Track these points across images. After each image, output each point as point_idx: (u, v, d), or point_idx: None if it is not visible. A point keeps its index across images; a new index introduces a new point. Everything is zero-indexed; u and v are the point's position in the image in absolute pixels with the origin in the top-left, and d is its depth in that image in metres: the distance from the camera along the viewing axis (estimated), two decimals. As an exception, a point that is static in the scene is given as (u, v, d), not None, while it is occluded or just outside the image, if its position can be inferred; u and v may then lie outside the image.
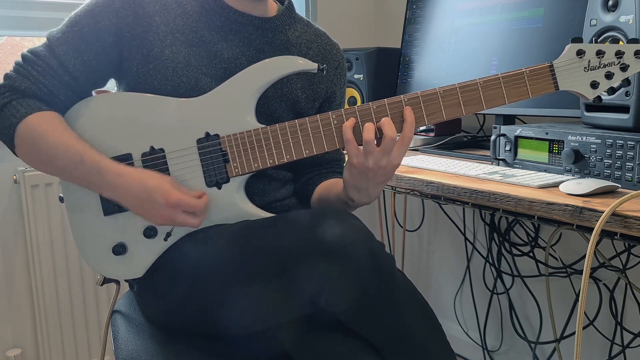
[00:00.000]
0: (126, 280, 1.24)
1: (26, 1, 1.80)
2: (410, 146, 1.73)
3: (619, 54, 1.00)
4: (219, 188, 1.06)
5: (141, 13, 1.08)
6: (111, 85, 1.21)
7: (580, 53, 1.01)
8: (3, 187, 1.78)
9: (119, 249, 1.06)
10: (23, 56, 1.07)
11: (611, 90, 1.09)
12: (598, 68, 1.00)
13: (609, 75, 1.00)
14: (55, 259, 1.82)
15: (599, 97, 1.03)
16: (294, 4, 1.24)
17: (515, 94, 1.02)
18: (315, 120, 1.04)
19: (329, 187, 1.20)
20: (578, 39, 1.02)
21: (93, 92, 1.15)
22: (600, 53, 1.00)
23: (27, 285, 1.84)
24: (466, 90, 1.03)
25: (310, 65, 1.06)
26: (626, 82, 1.03)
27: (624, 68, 1.00)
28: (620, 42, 1.18)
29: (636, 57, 1.00)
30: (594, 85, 1.01)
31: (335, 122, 1.04)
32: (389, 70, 1.94)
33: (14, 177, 1.77)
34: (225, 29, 1.13)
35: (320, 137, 1.05)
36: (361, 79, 1.92)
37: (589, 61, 1.00)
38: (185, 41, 1.09)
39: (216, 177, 1.06)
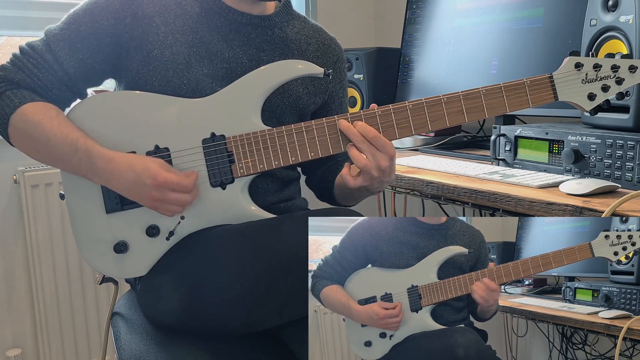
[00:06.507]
0: (127, 281, 1.23)
1: (26, 1, 1.80)
2: (411, 146, 1.74)
3: (615, 67, 1.02)
4: (223, 188, 1.06)
5: (140, 14, 1.08)
6: (110, 85, 1.21)
7: (578, 66, 1.03)
8: (3, 187, 1.78)
9: (121, 248, 1.05)
10: (20, 49, 1.08)
11: (606, 103, 1.11)
12: (595, 81, 1.03)
13: (605, 88, 1.03)
14: (55, 259, 1.81)
15: (596, 109, 1.05)
16: (294, 3, 1.24)
17: (516, 103, 1.05)
18: (320, 123, 1.05)
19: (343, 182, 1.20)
20: (576, 52, 1.05)
21: (90, 91, 1.15)
22: (597, 66, 1.03)
23: (27, 286, 1.84)
24: (469, 98, 1.04)
25: (317, 70, 1.07)
26: (620, 95, 1.04)
27: (619, 81, 1.03)
28: (622, 47, 1.19)
29: (630, 72, 1.02)
30: (591, 97, 1.03)
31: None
32: (389, 70, 1.94)
33: (14, 177, 1.76)
34: (225, 29, 1.13)
35: (325, 139, 1.05)
36: (361, 79, 1.92)
37: (586, 74, 1.03)
38: (185, 42, 1.09)
39: (221, 177, 1.06)
